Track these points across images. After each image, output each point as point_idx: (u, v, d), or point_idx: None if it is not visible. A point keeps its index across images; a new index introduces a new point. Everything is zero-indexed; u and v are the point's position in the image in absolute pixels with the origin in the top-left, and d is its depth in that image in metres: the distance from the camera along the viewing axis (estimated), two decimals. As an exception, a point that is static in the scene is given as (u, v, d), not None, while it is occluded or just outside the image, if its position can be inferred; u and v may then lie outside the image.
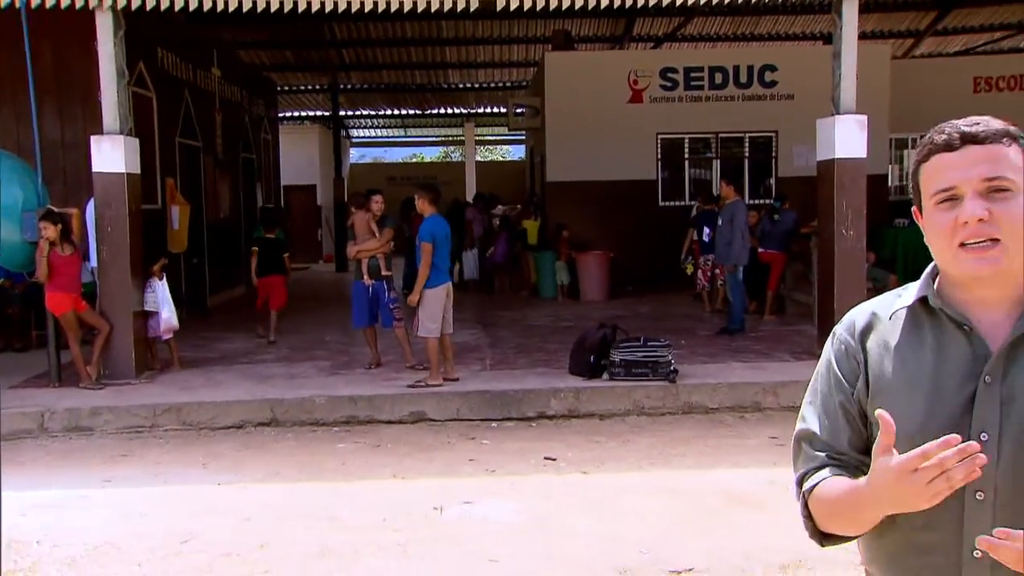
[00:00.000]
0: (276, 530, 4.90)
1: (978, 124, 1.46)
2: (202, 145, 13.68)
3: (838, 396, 1.58)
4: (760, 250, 11.27)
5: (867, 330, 1.58)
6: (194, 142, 13.34)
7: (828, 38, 8.85)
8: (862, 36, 16.25)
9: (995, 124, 1.47)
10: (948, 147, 1.47)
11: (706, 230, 11.74)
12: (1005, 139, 1.46)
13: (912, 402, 1.48)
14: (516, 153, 32.11)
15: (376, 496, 5.51)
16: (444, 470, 6.10)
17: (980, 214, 1.42)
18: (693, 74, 15.23)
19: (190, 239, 12.03)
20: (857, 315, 1.62)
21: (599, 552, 4.49)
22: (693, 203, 13.71)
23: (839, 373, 1.59)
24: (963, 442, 1.36)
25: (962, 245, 1.44)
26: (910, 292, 1.58)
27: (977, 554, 1.42)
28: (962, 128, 1.46)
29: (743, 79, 15.24)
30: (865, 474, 1.49)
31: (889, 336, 1.55)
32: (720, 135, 15.44)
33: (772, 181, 15.39)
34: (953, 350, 1.49)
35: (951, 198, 1.46)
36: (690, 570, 4.23)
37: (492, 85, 22.56)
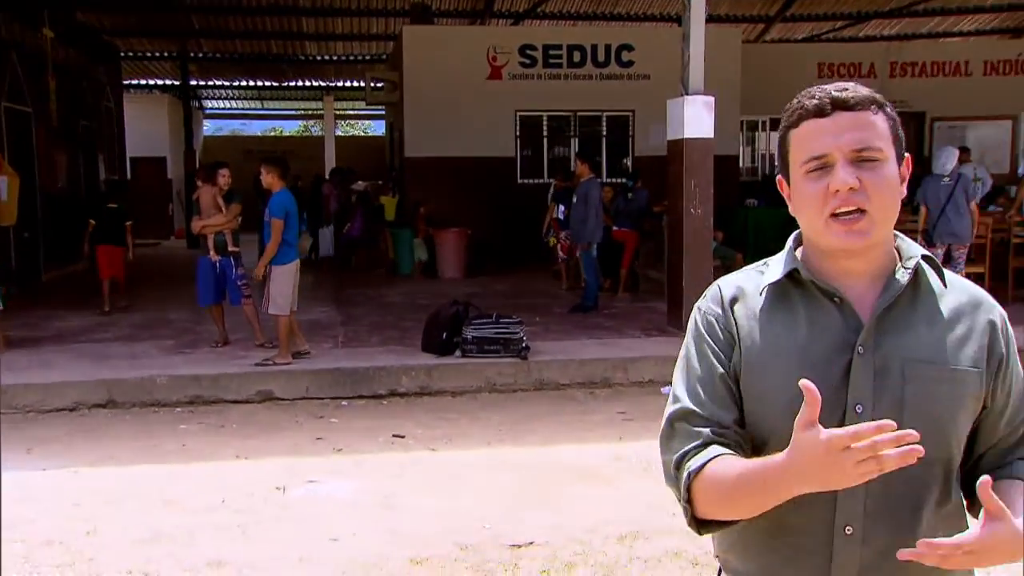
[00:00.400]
0: (106, 515, 4.71)
1: (847, 90, 1.45)
2: (33, 112, 12.91)
3: (717, 369, 1.51)
4: (614, 228, 11.52)
5: (735, 302, 1.54)
6: (24, 108, 12.57)
7: (680, 20, 9.07)
8: (715, 19, 16.83)
9: (863, 90, 1.46)
10: (819, 112, 1.44)
11: (561, 208, 11.92)
12: (873, 106, 1.45)
13: (788, 375, 1.41)
14: (378, 128, 31.72)
15: (217, 478, 5.37)
16: (290, 449, 6.00)
17: (851, 182, 1.40)
18: (552, 52, 15.39)
19: (21, 211, 11.37)
20: (723, 287, 1.58)
21: (442, 528, 4.51)
22: (551, 180, 13.89)
23: (714, 346, 1.53)
24: (842, 414, 1.41)
25: (833, 216, 1.42)
26: (774, 266, 1.55)
27: (848, 530, 1.43)
28: (833, 93, 1.44)
29: (601, 58, 15.50)
30: (745, 451, 1.47)
31: (759, 310, 1.52)
32: (578, 113, 15.68)
33: (629, 160, 15.75)
34: (825, 322, 1.47)
35: (822, 166, 1.43)
36: (531, 544, 4.31)
37: (351, 58, 22.15)
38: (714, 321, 1.54)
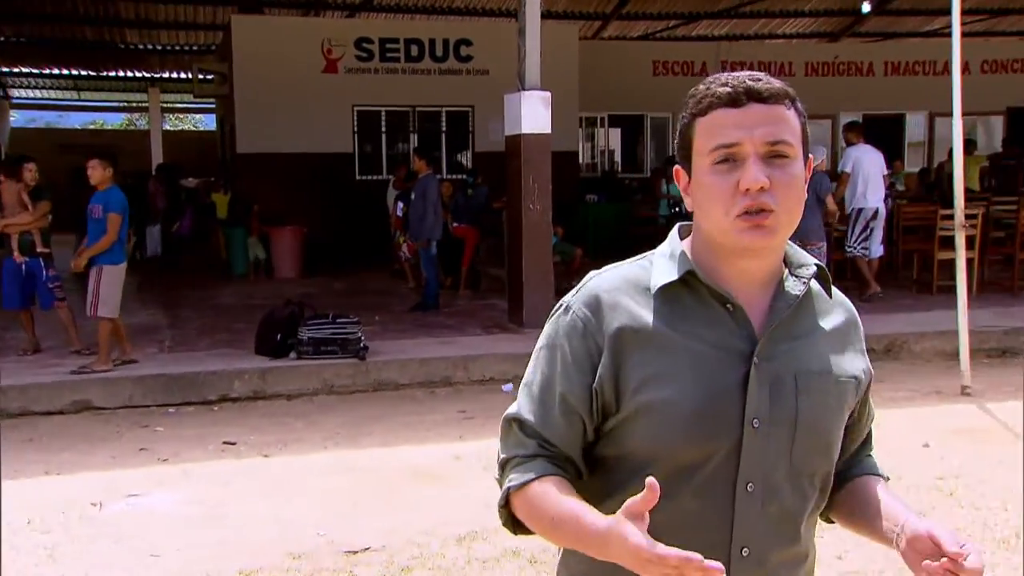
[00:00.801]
0: None
1: (761, 80, 1.36)
2: None
3: (562, 384, 1.40)
4: (454, 225, 11.51)
5: (611, 305, 1.40)
6: None
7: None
8: (553, 16, 17.10)
9: (776, 83, 1.37)
10: (732, 101, 1.35)
11: (399, 205, 11.81)
12: (786, 100, 1.37)
13: (681, 387, 1.35)
14: (209, 123, 30.58)
15: (22, 497, 5.00)
16: (109, 462, 5.68)
17: (763, 181, 1.32)
18: (389, 45, 15.24)
19: None
20: (600, 286, 1.43)
21: (274, 537, 4.36)
22: (390, 177, 13.75)
23: (569, 357, 1.41)
24: (739, 431, 1.35)
25: (741, 215, 1.33)
26: (661, 264, 1.43)
27: (745, 552, 1.37)
28: (747, 83, 1.35)
29: (439, 53, 15.47)
30: (578, 471, 1.42)
31: (645, 315, 1.39)
32: (417, 109, 15.59)
33: (469, 156, 15.78)
34: (717, 329, 1.39)
35: (731, 157, 1.34)
36: (367, 549, 4.22)
37: (177, 48, 21.25)
38: (582, 327, 1.40)
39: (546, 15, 8.85)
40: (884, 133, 15.54)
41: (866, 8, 14.53)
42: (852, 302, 1.57)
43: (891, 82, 18.08)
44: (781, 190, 1.34)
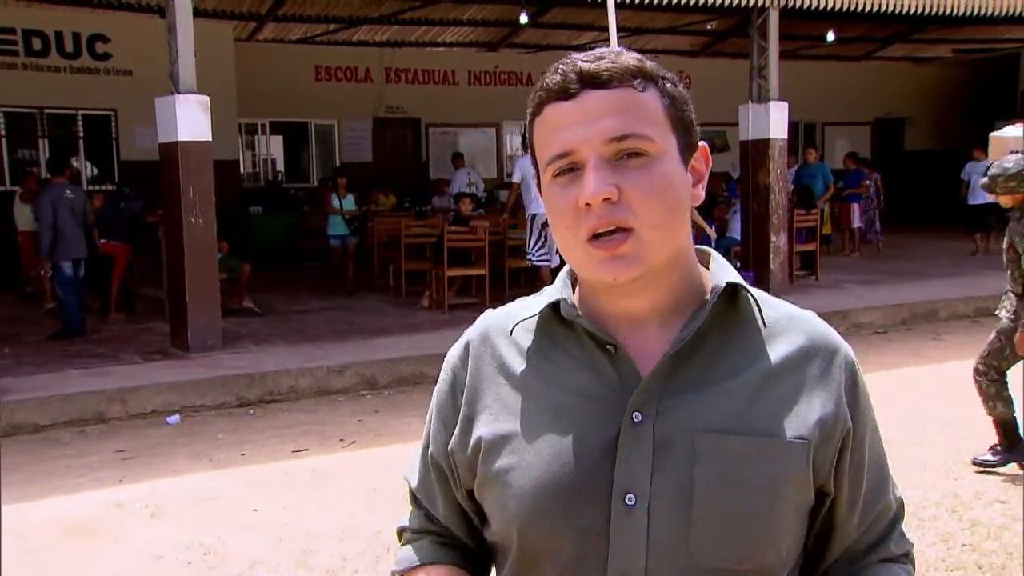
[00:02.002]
0: None
1: (603, 59, 1.08)
2: None
3: (432, 447, 1.23)
4: (102, 241, 10.57)
5: (481, 351, 1.20)
6: None
7: (164, 11, 8.56)
8: (205, 14, 16.23)
9: (625, 59, 1.09)
10: (563, 92, 1.08)
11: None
12: (637, 80, 1.08)
13: (530, 454, 1.10)
14: None
15: None
16: None
17: (605, 191, 1.03)
18: (3, 36, 13.72)
19: None
20: (478, 328, 1.24)
21: None
22: (16, 189, 12.38)
23: (438, 413, 1.23)
24: (607, 507, 1.07)
25: (591, 239, 1.06)
26: (543, 294, 1.20)
27: None
28: (580, 64, 1.07)
29: (70, 48, 14.20)
30: (473, 553, 1.24)
31: (509, 358, 1.17)
32: (46, 111, 14.18)
33: (114, 165, 14.62)
34: (593, 376, 1.11)
35: (570, 167, 1.07)
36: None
37: None
38: (451, 376, 1.23)
39: (196, 13, 8.35)
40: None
41: (524, 19, 15.26)
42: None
43: (549, 93, 19.22)
44: (638, 198, 1.05)
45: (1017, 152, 5.41)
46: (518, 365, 1.16)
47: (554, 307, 1.16)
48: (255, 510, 5.08)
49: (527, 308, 1.20)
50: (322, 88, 17.17)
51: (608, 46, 1.20)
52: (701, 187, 1.15)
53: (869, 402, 1.17)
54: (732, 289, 1.13)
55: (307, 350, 8.49)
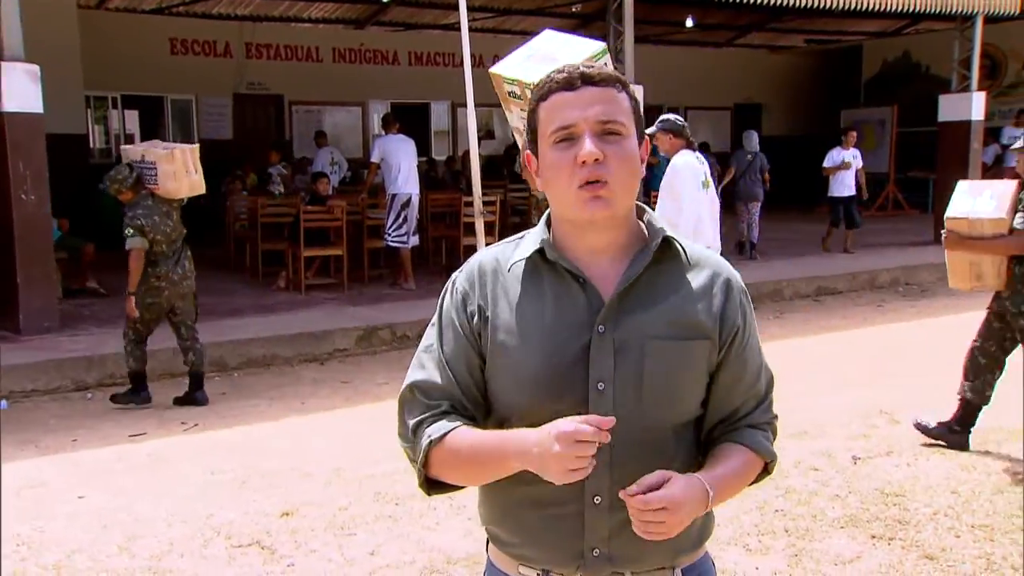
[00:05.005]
0: None
1: (594, 67, 1.59)
2: None
3: (461, 347, 1.64)
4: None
5: (488, 277, 1.66)
6: None
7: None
8: (46, -20, 15.48)
9: (609, 70, 1.61)
10: (568, 85, 1.58)
11: None
12: (617, 84, 1.60)
13: (530, 354, 1.58)
14: None
15: None
16: None
17: (597, 153, 1.53)
18: None
19: None
20: (480, 261, 1.69)
21: None
22: None
23: (460, 323, 1.65)
24: (585, 391, 1.56)
25: (581, 186, 1.54)
26: (527, 243, 1.66)
27: (597, 499, 1.58)
28: (581, 69, 1.58)
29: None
30: (480, 425, 1.64)
31: (510, 288, 1.64)
32: None
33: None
34: (568, 301, 1.60)
35: (569, 137, 1.56)
36: None
37: None
38: (463, 298, 1.66)
39: (34, -23, 7.96)
40: (411, 121, 16.26)
41: (388, -3, 15.08)
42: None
43: (416, 72, 19.00)
44: (615, 163, 1.55)
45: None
46: (516, 291, 1.63)
47: (539, 252, 1.63)
48: (81, 497, 4.90)
49: (513, 253, 1.67)
50: (178, 62, 16.56)
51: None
52: (643, 166, 1.62)
53: (752, 315, 1.70)
54: (666, 239, 1.63)
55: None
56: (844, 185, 13.11)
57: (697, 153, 6.61)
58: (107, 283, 10.23)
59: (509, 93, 6.03)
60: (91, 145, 16.14)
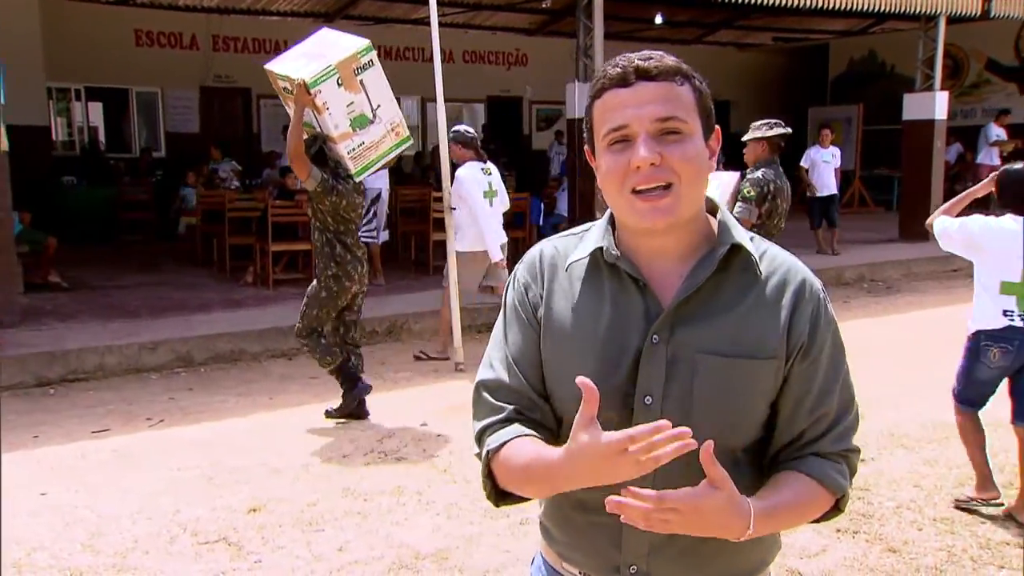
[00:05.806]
0: None
1: (652, 59, 1.44)
2: None
3: (529, 341, 1.55)
4: None
5: (550, 272, 1.57)
6: None
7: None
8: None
9: (668, 60, 1.45)
10: (622, 82, 1.44)
11: None
12: (678, 77, 1.44)
13: (583, 359, 1.47)
14: None
15: None
16: None
17: (652, 158, 1.40)
18: None
19: None
20: (540, 254, 1.60)
21: None
22: None
23: (525, 317, 1.56)
24: (631, 404, 1.44)
25: (636, 192, 1.42)
26: (591, 236, 1.55)
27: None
28: (636, 62, 1.43)
29: None
30: (548, 428, 1.53)
31: (568, 285, 1.54)
32: None
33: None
34: (626, 306, 1.49)
35: (623, 139, 1.43)
36: None
37: None
38: (525, 291, 1.58)
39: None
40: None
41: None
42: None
43: (385, 66, 18.52)
44: (677, 165, 1.41)
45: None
46: (574, 290, 1.54)
47: (599, 250, 1.52)
48: (43, 494, 4.83)
49: (580, 245, 1.56)
50: (143, 54, 16.36)
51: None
52: (714, 160, 1.49)
53: (831, 325, 1.52)
54: (735, 246, 1.49)
55: (119, 326, 8.14)
56: (824, 185, 13.10)
57: (487, 164, 7.53)
58: (72, 278, 10.13)
59: (284, 89, 6.07)
60: (54, 137, 15.92)
